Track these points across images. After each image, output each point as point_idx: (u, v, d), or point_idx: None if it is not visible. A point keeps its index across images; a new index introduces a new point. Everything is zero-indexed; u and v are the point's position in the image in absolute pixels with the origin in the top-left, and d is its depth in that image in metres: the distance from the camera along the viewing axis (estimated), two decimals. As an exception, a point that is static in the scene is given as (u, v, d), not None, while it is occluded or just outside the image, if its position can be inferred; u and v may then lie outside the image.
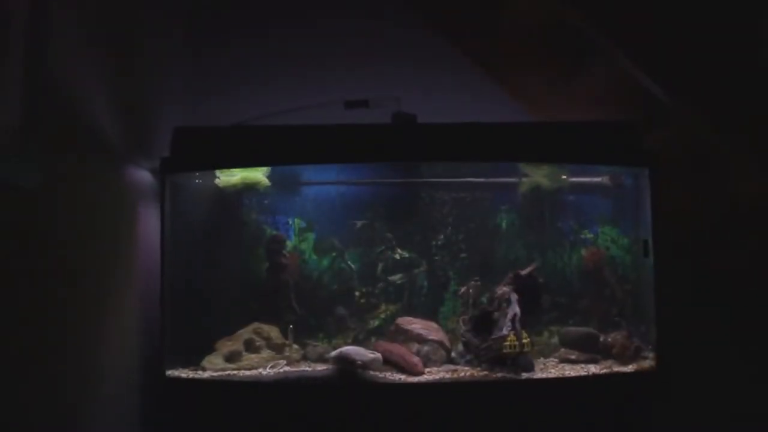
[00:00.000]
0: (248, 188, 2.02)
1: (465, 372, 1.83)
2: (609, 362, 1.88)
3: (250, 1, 2.40)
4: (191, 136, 1.87)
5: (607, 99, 2.11)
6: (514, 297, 1.84)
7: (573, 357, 1.90)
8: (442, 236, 2.10)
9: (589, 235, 2.09)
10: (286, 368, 1.88)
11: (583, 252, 2.07)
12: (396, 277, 2.09)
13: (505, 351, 1.78)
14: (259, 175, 2.00)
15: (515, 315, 1.79)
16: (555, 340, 2.01)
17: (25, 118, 1.21)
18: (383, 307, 2.07)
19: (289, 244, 2.07)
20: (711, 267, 2.07)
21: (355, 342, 2.00)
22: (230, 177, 1.99)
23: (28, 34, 1.22)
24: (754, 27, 1.76)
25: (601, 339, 1.93)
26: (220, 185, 2.01)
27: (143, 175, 1.89)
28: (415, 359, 1.83)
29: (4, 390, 1.17)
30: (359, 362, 1.78)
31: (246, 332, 1.96)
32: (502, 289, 1.88)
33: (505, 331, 1.78)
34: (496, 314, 1.86)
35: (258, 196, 2.06)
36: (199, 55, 2.35)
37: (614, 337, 1.91)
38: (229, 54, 2.39)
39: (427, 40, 2.40)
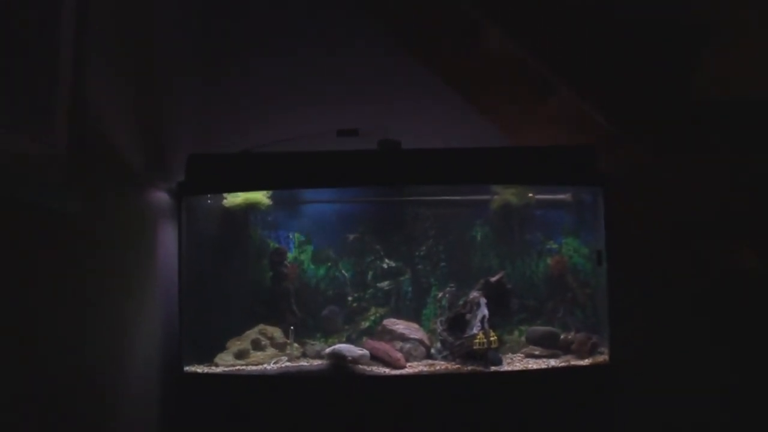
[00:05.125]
0: (250, 207, 2.16)
1: (441, 366, 1.98)
2: (568, 357, 2.04)
3: (256, 48, 2.54)
4: (203, 162, 2.00)
5: (570, 125, 2.27)
6: (483, 301, 1.99)
7: (537, 352, 2.06)
8: (424, 247, 2.24)
9: (554, 246, 2.23)
10: (288, 364, 2.00)
11: (549, 260, 2.21)
12: (384, 284, 2.23)
13: (475, 347, 1.93)
14: (259, 195, 2.14)
15: (484, 316, 1.95)
16: (524, 338, 2.16)
17: (70, 150, 1.31)
18: (373, 310, 2.21)
19: (290, 255, 2.20)
20: (659, 272, 2.23)
21: (348, 341, 2.13)
22: (235, 198, 2.15)
23: (72, 79, 1.33)
24: (687, 64, 1.93)
25: (562, 337, 2.09)
26: (227, 205, 2.16)
27: (162, 197, 2.02)
28: (398, 355, 1.99)
29: (43, 380, 1.24)
30: (350, 358, 1.93)
31: (253, 333, 2.07)
32: (473, 294, 2.04)
33: (475, 330, 1.94)
34: (468, 316, 2.02)
35: (261, 213, 2.19)
36: (211, 92, 2.47)
37: (573, 335, 2.09)
38: (237, 89, 2.52)
39: (411, 73, 2.52)
